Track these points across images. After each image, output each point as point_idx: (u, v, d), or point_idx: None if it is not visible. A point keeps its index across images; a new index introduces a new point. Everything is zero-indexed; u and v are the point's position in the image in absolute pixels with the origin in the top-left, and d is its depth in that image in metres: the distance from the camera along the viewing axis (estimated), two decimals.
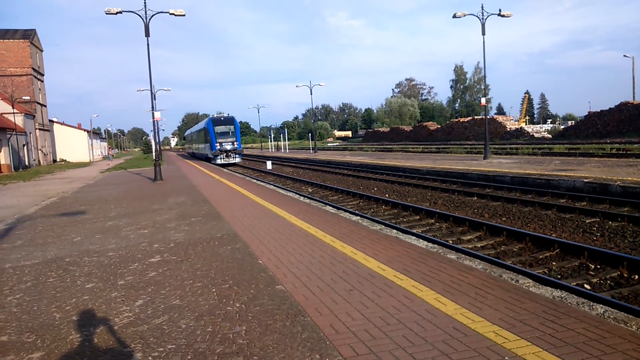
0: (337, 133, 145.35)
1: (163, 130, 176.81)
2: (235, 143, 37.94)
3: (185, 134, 79.99)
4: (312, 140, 58.42)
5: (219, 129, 38.02)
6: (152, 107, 22.85)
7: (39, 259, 7.13)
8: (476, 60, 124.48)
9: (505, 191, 14.32)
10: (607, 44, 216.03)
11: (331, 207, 11.14)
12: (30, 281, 5.91)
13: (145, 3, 19.87)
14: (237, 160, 38.32)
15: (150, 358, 3.55)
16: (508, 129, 55.05)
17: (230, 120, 38.90)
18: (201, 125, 46.64)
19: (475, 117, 67.61)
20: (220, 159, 37.23)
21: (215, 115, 40.37)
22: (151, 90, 22.14)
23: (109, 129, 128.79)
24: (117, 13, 19.61)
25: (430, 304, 4.27)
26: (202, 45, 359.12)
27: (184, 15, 20.66)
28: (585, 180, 13.07)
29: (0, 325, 4.45)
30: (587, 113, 50.38)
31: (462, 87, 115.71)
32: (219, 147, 37.25)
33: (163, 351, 3.65)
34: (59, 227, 9.94)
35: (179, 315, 4.40)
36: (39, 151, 56.72)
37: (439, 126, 72.66)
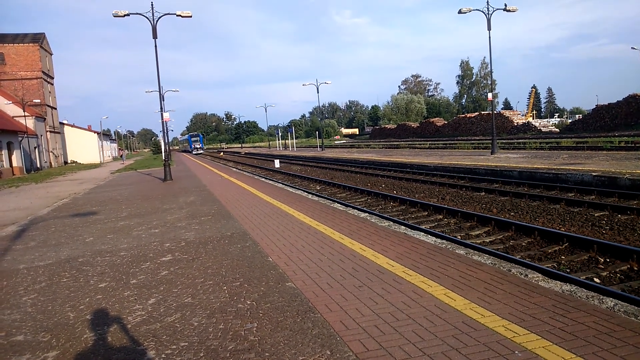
0: (344, 130, 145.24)
1: (172, 130, 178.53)
2: (199, 144, 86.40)
3: (180, 139, 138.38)
4: (319, 138, 58.45)
5: (193, 139, 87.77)
6: (161, 108, 22.99)
7: (53, 259, 7.23)
8: (482, 56, 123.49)
9: (513, 186, 14.26)
10: (613, 37, 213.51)
11: (339, 205, 11.16)
12: (45, 281, 6.00)
13: (152, 5, 20.00)
14: (201, 152, 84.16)
15: (163, 356, 3.60)
16: (515, 124, 54.73)
17: (197, 135, 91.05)
18: (185, 137, 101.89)
19: (482, 112, 67.31)
20: (194, 151, 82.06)
21: (191, 133, 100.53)
22: (160, 92, 22.26)
23: (119, 130, 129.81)
24: (124, 15, 19.72)
25: (439, 299, 4.28)
26: (209, 45, 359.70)
27: (190, 16, 20.72)
28: (593, 173, 12.98)
29: (16, 324, 4.53)
30: (594, 106, 49.70)
31: (468, 82, 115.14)
32: (193, 146, 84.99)
33: (176, 349, 3.70)
34: (71, 228, 10.06)
35: (191, 313, 4.45)
36: (50, 153, 57.32)
37: (446, 122, 72.43)
